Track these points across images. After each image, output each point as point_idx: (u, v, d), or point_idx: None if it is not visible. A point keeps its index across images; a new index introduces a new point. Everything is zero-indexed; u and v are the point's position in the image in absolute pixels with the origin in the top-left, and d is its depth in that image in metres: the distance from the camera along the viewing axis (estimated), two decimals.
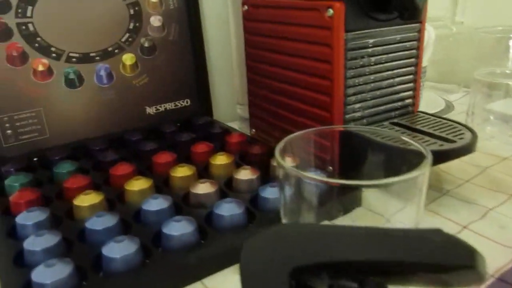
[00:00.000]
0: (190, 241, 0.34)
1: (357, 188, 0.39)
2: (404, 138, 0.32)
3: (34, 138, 0.54)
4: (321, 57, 0.42)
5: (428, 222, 0.38)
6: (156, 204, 0.38)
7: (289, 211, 0.30)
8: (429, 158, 0.26)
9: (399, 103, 0.47)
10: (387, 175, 0.36)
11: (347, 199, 0.33)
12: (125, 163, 0.47)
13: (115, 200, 0.42)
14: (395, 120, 0.46)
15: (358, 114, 0.45)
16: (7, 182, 0.45)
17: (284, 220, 0.31)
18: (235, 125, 0.66)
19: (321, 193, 0.28)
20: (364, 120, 0.45)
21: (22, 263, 0.33)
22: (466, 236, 0.36)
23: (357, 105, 0.44)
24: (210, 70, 0.66)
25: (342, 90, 0.42)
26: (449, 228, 0.38)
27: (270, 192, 0.39)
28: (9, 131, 0.52)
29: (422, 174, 0.24)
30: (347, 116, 0.44)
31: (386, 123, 0.46)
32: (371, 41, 0.42)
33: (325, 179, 0.25)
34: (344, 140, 0.35)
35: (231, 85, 0.69)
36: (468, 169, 0.48)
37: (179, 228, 0.34)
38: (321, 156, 0.37)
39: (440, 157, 0.38)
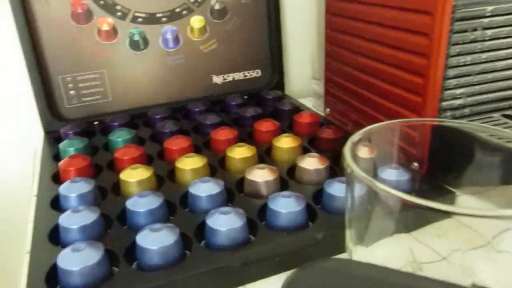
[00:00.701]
0: (236, 238, 0.29)
1: (448, 194, 0.31)
2: None
3: (96, 101, 0.52)
4: (417, 28, 0.34)
5: None
6: (205, 188, 0.33)
7: (356, 218, 0.24)
8: None
9: None
10: (489, 182, 0.28)
11: None
12: (182, 136, 0.43)
13: (164, 177, 0.38)
14: (509, 112, 0.37)
15: (459, 102, 0.36)
16: (61, 146, 0.43)
17: (348, 227, 0.25)
18: (308, 102, 0.59)
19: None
20: (466, 110, 0.37)
21: (58, 239, 0.31)
22: None
23: (459, 91, 0.36)
24: (286, 38, 0.60)
25: (441, 71, 0.34)
26: None
27: (337, 189, 0.32)
28: (72, 92, 0.51)
29: None
30: (444, 104, 0.36)
31: (496, 115, 0.37)
32: (489, 8, 0.33)
33: (410, 198, 0.18)
34: (438, 133, 0.28)
35: (309, 57, 0.62)
36: None
37: (226, 222, 0.29)
38: (406, 149, 0.30)
39: None
